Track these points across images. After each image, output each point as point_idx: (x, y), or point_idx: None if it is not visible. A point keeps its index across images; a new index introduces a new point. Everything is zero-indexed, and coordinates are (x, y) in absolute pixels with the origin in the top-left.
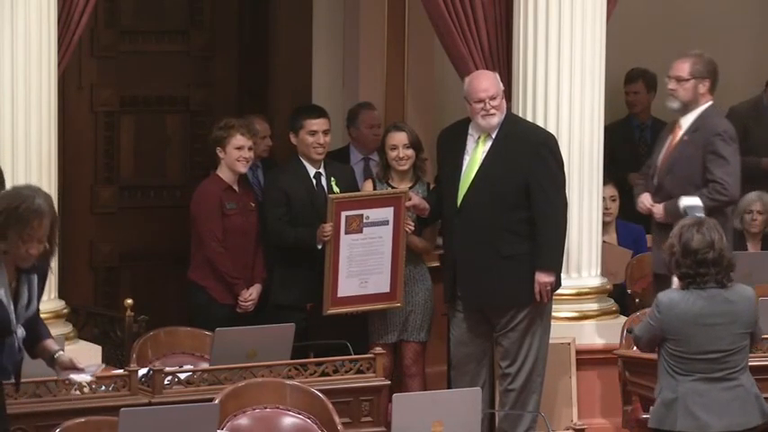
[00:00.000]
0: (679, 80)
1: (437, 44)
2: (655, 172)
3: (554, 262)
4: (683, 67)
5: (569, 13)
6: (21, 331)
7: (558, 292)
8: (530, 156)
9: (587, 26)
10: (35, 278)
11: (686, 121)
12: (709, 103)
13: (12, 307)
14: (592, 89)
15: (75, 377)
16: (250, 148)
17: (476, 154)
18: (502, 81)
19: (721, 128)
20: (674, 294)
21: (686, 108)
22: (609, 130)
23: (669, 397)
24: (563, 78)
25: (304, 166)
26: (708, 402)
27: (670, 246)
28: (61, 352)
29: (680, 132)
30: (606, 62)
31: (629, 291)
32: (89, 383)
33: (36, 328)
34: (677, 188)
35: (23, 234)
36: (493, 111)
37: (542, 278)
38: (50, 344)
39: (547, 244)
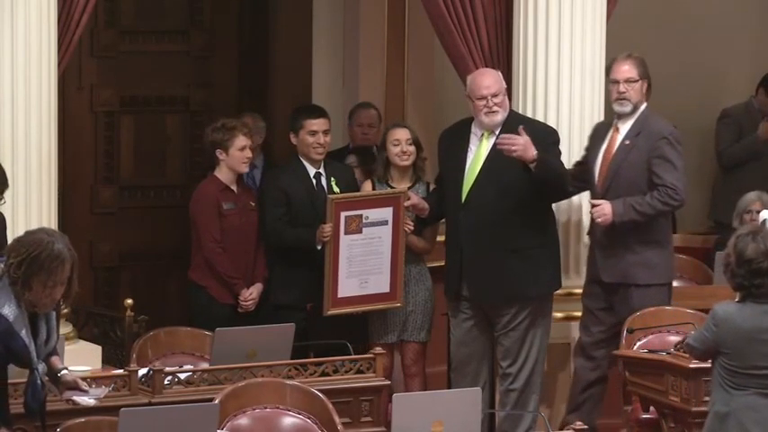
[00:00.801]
0: (629, 82)
1: (437, 44)
2: (595, 177)
3: (551, 162)
4: (632, 69)
5: (569, 13)
6: (42, 367)
7: (558, 291)
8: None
9: (587, 25)
10: (53, 314)
11: (625, 125)
12: (645, 104)
13: (32, 345)
14: (591, 88)
15: (78, 399)
16: (251, 148)
17: (480, 150)
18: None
19: (667, 131)
20: (730, 307)
21: (628, 113)
22: None
23: (722, 411)
24: (563, 77)
25: (304, 166)
26: (762, 419)
27: (726, 255)
28: (66, 371)
29: (619, 136)
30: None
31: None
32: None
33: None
34: (625, 193)
35: (48, 282)
36: (496, 108)
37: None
38: (56, 361)
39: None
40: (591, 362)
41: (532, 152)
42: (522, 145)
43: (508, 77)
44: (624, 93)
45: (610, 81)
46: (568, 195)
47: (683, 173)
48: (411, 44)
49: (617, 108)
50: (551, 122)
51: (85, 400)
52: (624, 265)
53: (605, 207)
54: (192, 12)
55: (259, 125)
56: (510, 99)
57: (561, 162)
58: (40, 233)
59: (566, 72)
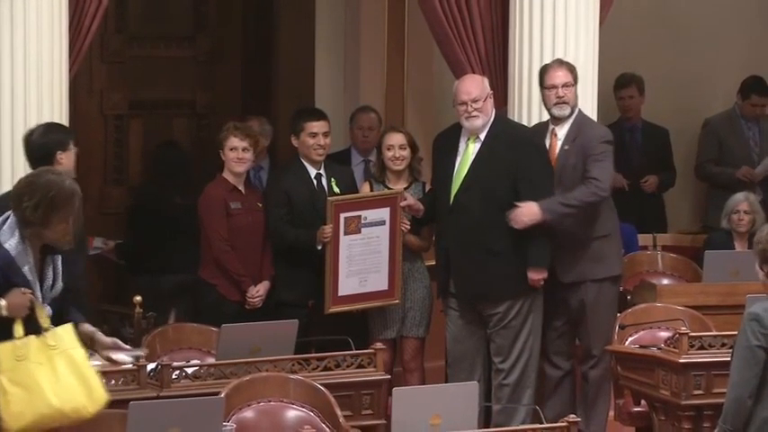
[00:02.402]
0: (567, 86)
1: (436, 50)
2: None
3: (543, 258)
4: (567, 74)
5: (563, 20)
6: (47, 310)
7: None
8: (518, 154)
9: (581, 32)
10: (59, 258)
11: (562, 130)
12: (578, 107)
13: (37, 285)
14: (584, 94)
15: (117, 357)
16: (245, 149)
17: (466, 155)
18: (498, 86)
19: (600, 133)
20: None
21: (564, 117)
22: None
23: None
24: None
25: (305, 168)
26: None
27: (762, 252)
28: (100, 333)
29: (558, 141)
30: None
31: (620, 288)
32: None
33: (69, 313)
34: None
35: (68, 218)
36: (475, 113)
37: (534, 275)
38: (86, 327)
39: (536, 241)
40: (553, 360)
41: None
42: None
43: (504, 83)
44: (563, 97)
45: (545, 88)
46: (585, 212)
47: (610, 169)
48: (410, 50)
49: (557, 112)
50: None
51: (123, 358)
52: (579, 266)
53: (531, 207)
54: (198, 18)
55: (265, 128)
56: (505, 103)
57: (571, 207)
58: (47, 174)
59: None
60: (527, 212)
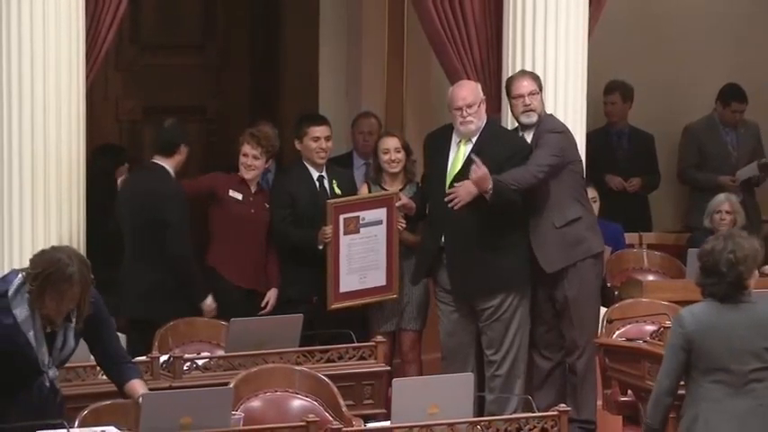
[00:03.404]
0: (533, 95)
1: (433, 58)
2: None
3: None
4: (533, 84)
5: (554, 31)
6: (53, 372)
7: None
8: (506, 157)
9: (570, 41)
10: (71, 326)
11: (529, 136)
12: (544, 113)
13: (44, 348)
14: (574, 100)
15: None
16: (255, 157)
17: (457, 156)
18: (492, 93)
19: (551, 126)
20: (697, 308)
21: (532, 124)
22: (589, 137)
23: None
24: (548, 90)
25: (308, 170)
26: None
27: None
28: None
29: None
30: (587, 75)
31: (608, 284)
32: None
33: (122, 371)
34: (541, 195)
35: (56, 299)
36: (470, 118)
37: (480, 170)
38: (137, 386)
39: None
40: (543, 352)
41: (488, 184)
42: (481, 176)
43: (498, 90)
44: (529, 105)
45: (512, 98)
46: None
47: (549, 152)
48: (409, 58)
49: (525, 120)
50: None
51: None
52: (560, 253)
53: (462, 189)
54: (208, 28)
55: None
56: (499, 110)
57: (515, 183)
58: (60, 252)
59: (550, 84)
60: (466, 190)
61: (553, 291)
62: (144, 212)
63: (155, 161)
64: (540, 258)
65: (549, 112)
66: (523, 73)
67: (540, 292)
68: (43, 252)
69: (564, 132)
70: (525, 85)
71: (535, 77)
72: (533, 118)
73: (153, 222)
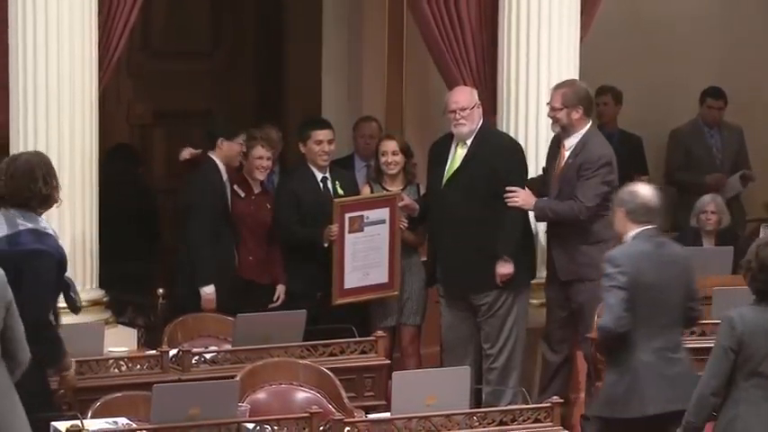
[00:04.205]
0: (554, 109)
1: (431, 65)
2: (548, 188)
3: (509, 251)
4: (556, 98)
5: (547, 38)
6: None
7: (535, 281)
8: (499, 159)
9: (563, 50)
10: None
11: (570, 143)
12: (588, 126)
13: None
14: None
15: None
16: (269, 158)
17: (455, 158)
18: (488, 98)
19: (598, 154)
20: (745, 310)
21: (567, 131)
22: None
23: None
24: (542, 95)
25: (312, 172)
26: None
27: (747, 262)
28: None
29: (565, 153)
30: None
31: None
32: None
33: None
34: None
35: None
36: (462, 121)
37: (501, 269)
38: None
39: (506, 234)
40: (555, 348)
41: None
42: (522, 198)
43: (493, 96)
44: (552, 116)
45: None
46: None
47: (596, 190)
48: (409, 64)
49: (552, 129)
50: (531, 136)
51: None
52: (575, 266)
53: (529, 197)
54: (216, 36)
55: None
56: (495, 114)
57: (552, 214)
58: (21, 155)
59: (544, 91)
60: (523, 199)
61: (569, 290)
62: (180, 197)
63: (208, 153)
64: (556, 262)
65: (589, 126)
66: (559, 84)
67: (552, 292)
68: (23, 165)
69: (611, 162)
70: (551, 98)
71: (565, 92)
72: (556, 129)
73: (184, 207)
